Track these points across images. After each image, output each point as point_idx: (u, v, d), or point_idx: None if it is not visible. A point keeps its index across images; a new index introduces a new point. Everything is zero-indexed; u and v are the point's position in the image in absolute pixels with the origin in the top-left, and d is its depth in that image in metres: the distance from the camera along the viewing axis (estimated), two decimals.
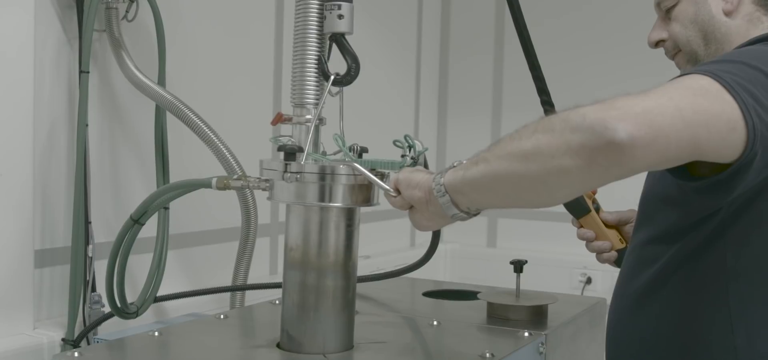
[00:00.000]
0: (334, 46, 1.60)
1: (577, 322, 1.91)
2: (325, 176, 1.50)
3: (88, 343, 1.98)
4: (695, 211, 1.40)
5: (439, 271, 3.50)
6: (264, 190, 1.56)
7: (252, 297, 2.27)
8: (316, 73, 1.58)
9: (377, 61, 3.25)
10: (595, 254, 1.84)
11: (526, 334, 1.69)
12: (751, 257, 1.38)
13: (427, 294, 2.16)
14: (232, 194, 2.12)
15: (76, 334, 1.98)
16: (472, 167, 1.30)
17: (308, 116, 1.58)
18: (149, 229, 2.19)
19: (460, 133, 3.70)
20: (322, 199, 1.51)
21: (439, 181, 1.35)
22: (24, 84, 1.90)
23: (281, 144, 1.54)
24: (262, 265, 2.62)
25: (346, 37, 1.58)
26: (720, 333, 1.39)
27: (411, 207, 1.43)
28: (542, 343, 1.70)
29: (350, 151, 1.56)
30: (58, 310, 2.04)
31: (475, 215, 1.37)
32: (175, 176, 2.19)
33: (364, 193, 1.53)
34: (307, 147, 1.56)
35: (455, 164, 1.36)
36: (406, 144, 1.54)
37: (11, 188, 1.89)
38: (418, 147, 1.54)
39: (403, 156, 1.53)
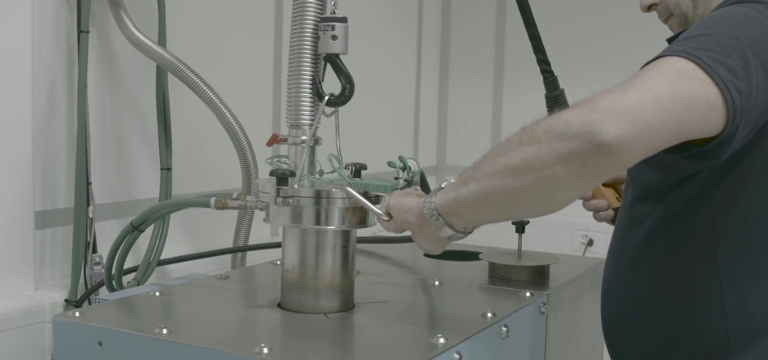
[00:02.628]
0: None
1: (578, 283, 1.91)
2: (320, 200, 1.51)
3: (90, 304, 1.98)
4: (678, 171, 1.40)
5: None
6: (261, 210, 1.58)
7: (253, 259, 2.27)
8: (310, 94, 1.59)
9: (379, 20, 3.23)
10: (592, 213, 1.85)
11: (528, 294, 1.69)
12: (739, 217, 1.38)
13: (429, 254, 2.15)
14: (234, 156, 2.11)
15: (79, 295, 1.98)
16: (462, 188, 1.31)
17: (304, 137, 1.59)
18: (152, 191, 2.20)
19: (461, 92, 3.68)
20: (317, 222, 1.52)
21: (430, 207, 1.36)
22: (22, 44, 1.89)
23: (273, 168, 1.54)
24: (263, 227, 2.62)
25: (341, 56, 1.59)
26: (708, 293, 1.40)
27: (409, 231, 1.44)
28: (544, 303, 1.70)
29: (346, 169, 1.57)
30: (59, 271, 2.05)
31: (470, 233, 1.39)
32: (176, 138, 2.18)
33: (358, 215, 1.54)
34: (301, 169, 1.57)
35: (443, 185, 1.37)
36: (400, 165, 1.54)
37: (11, 149, 1.88)
38: (413, 167, 1.54)
39: (396, 178, 1.53)
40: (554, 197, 1.21)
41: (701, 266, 1.41)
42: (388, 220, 1.45)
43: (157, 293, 1.69)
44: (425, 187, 1.49)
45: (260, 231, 2.51)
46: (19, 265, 1.92)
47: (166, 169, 2.15)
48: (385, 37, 3.29)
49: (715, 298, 1.39)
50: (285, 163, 1.61)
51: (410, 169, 1.54)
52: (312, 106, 1.60)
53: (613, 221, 1.80)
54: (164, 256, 2.12)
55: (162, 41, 2.13)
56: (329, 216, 1.52)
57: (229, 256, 2.28)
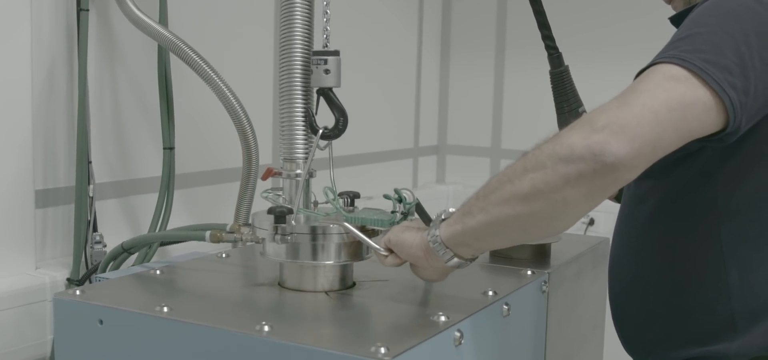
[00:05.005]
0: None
1: (580, 262, 1.91)
2: (316, 236, 1.52)
3: (90, 283, 1.98)
4: (680, 148, 1.40)
5: None
6: (257, 242, 1.60)
7: None
8: (304, 127, 1.61)
9: None
10: None
11: (529, 272, 1.69)
12: (743, 196, 1.38)
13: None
14: (234, 134, 2.11)
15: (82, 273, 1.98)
16: (469, 218, 1.33)
17: (298, 171, 1.61)
18: (152, 170, 2.19)
19: (463, 70, 3.67)
20: (314, 257, 1.53)
21: (436, 240, 1.37)
22: (22, 22, 1.88)
23: (271, 206, 1.56)
24: (263, 205, 2.62)
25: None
26: (712, 272, 1.40)
27: (411, 263, 1.47)
28: (545, 282, 1.70)
29: (340, 198, 1.59)
30: (60, 250, 2.04)
31: (476, 259, 1.42)
32: (178, 116, 2.18)
33: (356, 247, 1.56)
34: (297, 203, 1.60)
35: (444, 217, 1.39)
36: (396, 197, 1.55)
37: (11, 128, 1.88)
38: (408, 198, 1.55)
39: (393, 211, 1.55)
40: (564, 218, 1.25)
41: (705, 244, 1.41)
42: (386, 256, 1.47)
43: (158, 272, 1.69)
44: (424, 217, 1.51)
45: (261, 208, 2.50)
46: (20, 244, 1.92)
47: (169, 148, 2.15)
48: (386, 14, 3.27)
49: (719, 276, 1.39)
50: (280, 195, 1.63)
51: (405, 200, 1.55)
52: (305, 139, 1.62)
53: (615, 199, 1.80)
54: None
55: (163, 20, 2.12)
56: (327, 251, 1.54)
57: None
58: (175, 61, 2.11)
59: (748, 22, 1.27)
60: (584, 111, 1.78)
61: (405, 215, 1.55)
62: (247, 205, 2.23)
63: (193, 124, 2.33)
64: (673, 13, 1.55)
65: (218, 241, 1.65)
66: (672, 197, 1.44)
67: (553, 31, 1.80)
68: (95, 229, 2.04)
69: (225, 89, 2.07)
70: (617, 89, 1.26)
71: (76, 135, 1.98)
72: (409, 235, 1.43)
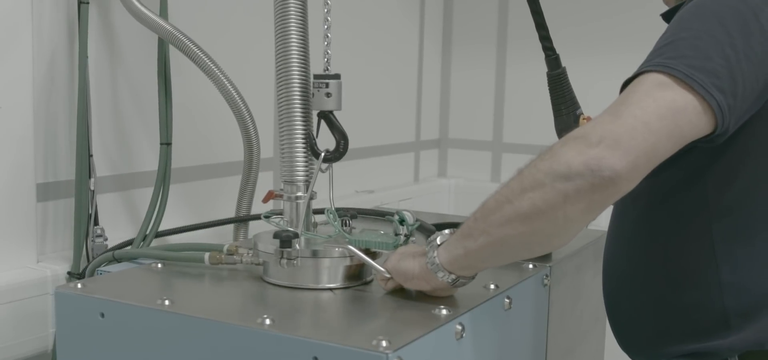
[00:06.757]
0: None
1: (581, 255, 1.91)
2: (319, 259, 1.53)
3: (91, 276, 1.98)
4: None
5: (443, 205, 3.50)
6: (257, 264, 1.60)
7: (256, 229, 2.26)
8: (304, 149, 1.62)
9: None
10: None
11: (531, 266, 1.69)
12: (734, 194, 1.39)
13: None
14: (234, 128, 2.10)
15: (82, 267, 1.98)
16: (470, 242, 1.34)
17: (299, 193, 1.62)
18: (153, 164, 2.19)
19: (464, 63, 3.67)
20: (317, 281, 1.54)
21: (436, 265, 1.38)
22: (22, 14, 1.88)
23: (276, 231, 1.57)
24: (262, 205, 2.61)
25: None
26: (705, 269, 1.41)
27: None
28: (547, 276, 1.70)
29: (340, 216, 1.60)
30: (61, 243, 2.04)
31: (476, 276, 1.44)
32: (177, 110, 2.17)
33: (359, 270, 1.57)
34: (301, 227, 1.61)
35: (440, 241, 1.39)
36: (398, 219, 1.56)
37: (11, 121, 1.87)
38: (409, 219, 1.56)
39: (396, 234, 1.56)
40: (565, 233, 1.26)
41: (697, 242, 1.41)
42: (389, 278, 1.48)
43: (160, 265, 1.69)
44: (426, 233, 1.52)
45: (260, 207, 2.50)
46: (21, 238, 1.92)
47: (166, 144, 2.14)
48: (387, 7, 3.27)
49: (711, 274, 1.40)
50: (280, 217, 1.65)
51: (407, 221, 1.57)
52: (306, 161, 1.63)
53: None
54: (163, 227, 2.11)
55: (163, 13, 2.11)
56: (330, 275, 1.54)
57: (231, 227, 2.27)
58: (176, 55, 2.11)
59: (732, 22, 1.28)
60: (581, 114, 1.78)
61: (407, 238, 1.56)
62: (248, 198, 2.23)
63: (193, 117, 2.33)
64: (665, 8, 1.55)
65: (217, 263, 1.65)
66: (663, 196, 1.45)
67: (549, 24, 1.80)
68: (96, 223, 2.04)
69: (225, 82, 2.06)
70: (612, 82, 1.26)
71: (77, 128, 1.98)
72: (407, 263, 1.44)
